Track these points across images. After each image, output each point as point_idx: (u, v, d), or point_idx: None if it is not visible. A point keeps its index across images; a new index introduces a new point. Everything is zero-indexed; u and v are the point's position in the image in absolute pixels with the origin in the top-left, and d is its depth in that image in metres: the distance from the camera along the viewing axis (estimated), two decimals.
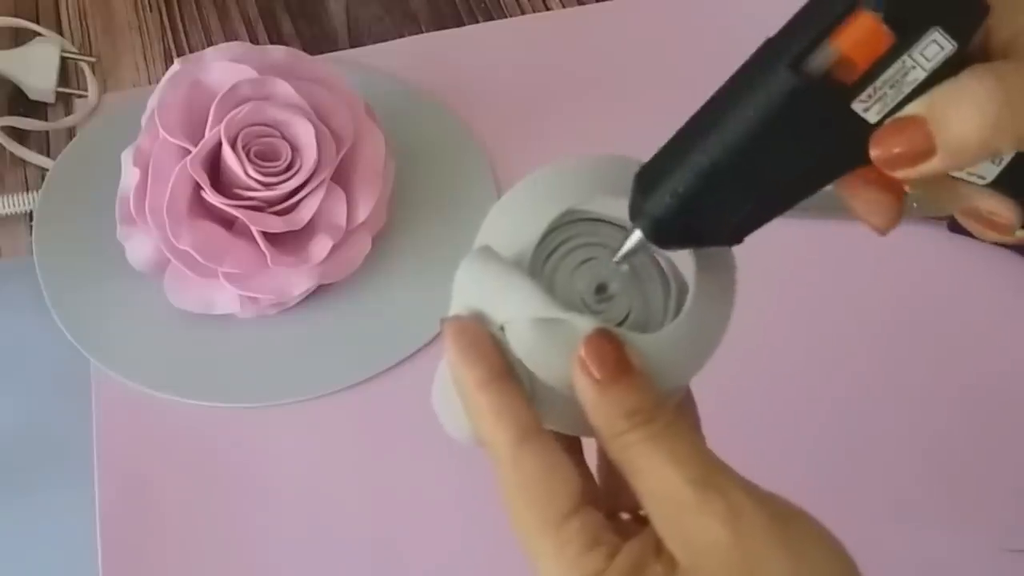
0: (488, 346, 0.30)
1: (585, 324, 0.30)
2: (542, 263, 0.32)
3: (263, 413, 0.56)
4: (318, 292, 0.58)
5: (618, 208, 0.32)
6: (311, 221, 0.56)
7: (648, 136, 0.74)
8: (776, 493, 0.29)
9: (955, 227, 0.63)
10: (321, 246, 0.56)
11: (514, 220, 0.32)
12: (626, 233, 0.31)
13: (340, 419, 0.56)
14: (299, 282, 0.56)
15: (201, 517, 0.52)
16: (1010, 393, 0.57)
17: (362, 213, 0.57)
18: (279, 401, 0.56)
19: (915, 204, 0.64)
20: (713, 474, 0.29)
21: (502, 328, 0.31)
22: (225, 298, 0.56)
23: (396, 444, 0.55)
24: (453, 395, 0.31)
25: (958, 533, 0.52)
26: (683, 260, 0.31)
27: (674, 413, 0.30)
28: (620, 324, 0.31)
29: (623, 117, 0.68)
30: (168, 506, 0.53)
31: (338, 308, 0.59)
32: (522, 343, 0.30)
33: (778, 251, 0.63)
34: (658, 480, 0.29)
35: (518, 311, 0.30)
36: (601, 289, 0.32)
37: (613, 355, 0.29)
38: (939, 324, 0.60)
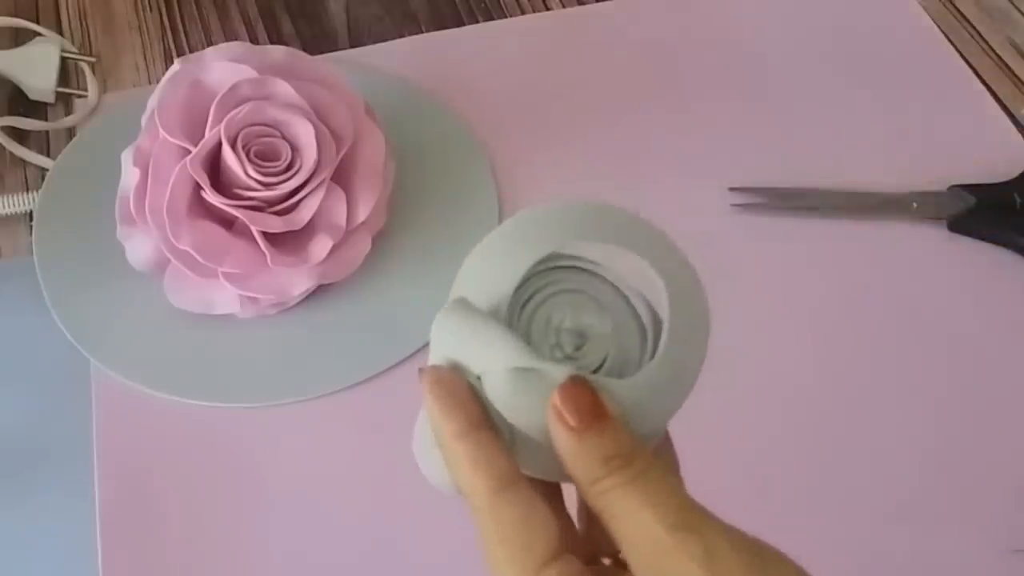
0: (465, 396, 0.31)
1: (560, 372, 0.30)
2: (519, 311, 0.32)
3: (263, 413, 0.56)
4: (318, 292, 0.58)
5: (594, 253, 0.32)
6: (311, 221, 0.56)
7: (648, 135, 0.74)
8: (753, 535, 0.29)
9: (955, 227, 0.63)
10: (321, 246, 0.56)
11: (490, 267, 0.32)
12: (604, 280, 0.32)
13: (340, 419, 0.56)
14: (299, 282, 0.56)
15: (201, 517, 0.52)
16: (1010, 393, 0.57)
17: (362, 213, 0.57)
18: (279, 401, 0.56)
19: (915, 204, 0.65)
20: (689, 517, 0.29)
21: (479, 378, 0.31)
22: (225, 298, 0.56)
23: (396, 444, 0.54)
24: (433, 444, 0.31)
25: (958, 533, 0.52)
26: (658, 300, 0.32)
27: (651, 457, 0.30)
28: (597, 370, 0.32)
29: (623, 117, 0.68)
30: (168, 506, 0.53)
31: (338, 308, 0.59)
32: (499, 393, 0.30)
33: (778, 251, 0.64)
34: (635, 524, 0.29)
35: (493, 361, 0.30)
36: (579, 336, 0.32)
37: (588, 402, 0.30)
38: (939, 324, 0.60)
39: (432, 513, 0.53)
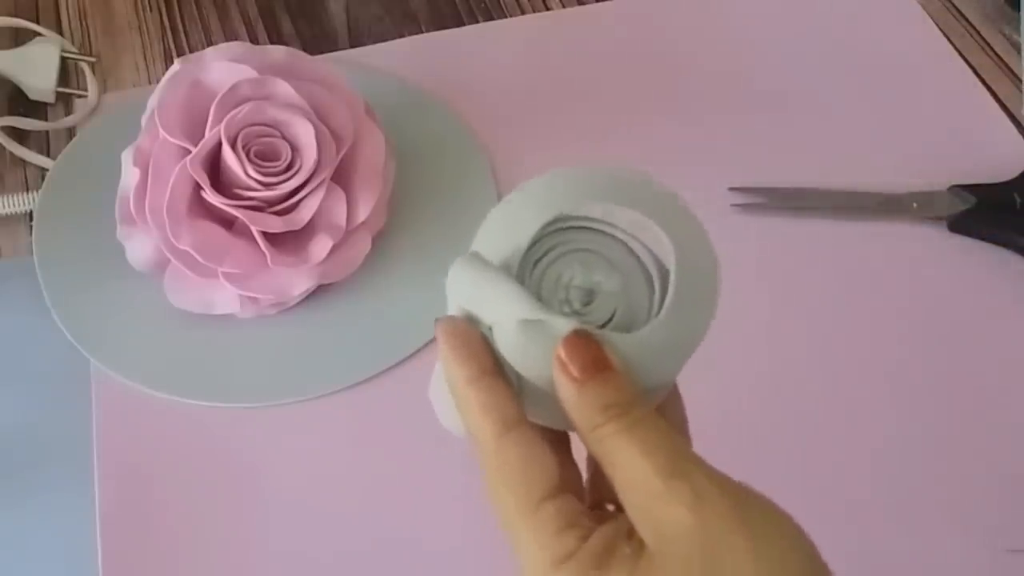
0: (477, 345, 0.32)
1: (566, 325, 0.31)
2: (531, 268, 0.33)
3: (263, 413, 0.56)
4: (318, 292, 0.58)
5: (605, 213, 0.33)
6: (311, 221, 0.56)
7: (647, 135, 0.74)
8: (744, 482, 0.30)
9: (955, 227, 0.63)
10: (321, 246, 0.56)
11: (505, 226, 0.34)
12: (614, 238, 0.33)
13: (340, 419, 0.56)
14: (299, 282, 0.56)
15: (201, 517, 0.52)
16: (1010, 393, 0.57)
17: (362, 213, 0.57)
18: (279, 401, 0.56)
19: (915, 204, 0.65)
20: (681, 464, 0.30)
21: (490, 328, 0.32)
22: (225, 298, 0.56)
23: (396, 444, 0.55)
24: (446, 389, 0.33)
25: (958, 533, 0.52)
26: (667, 258, 0.33)
27: (649, 407, 0.31)
28: (604, 325, 0.33)
29: (623, 117, 0.68)
30: (168, 506, 0.53)
31: (338, 308, 0.58)
32: (508, 343, 0.32)
33: (777, 250, 0.64)
34: (629, 470, 0.30)
35: (504, 313, 0.32)
36: (588, 292, 0.33)
37: (591, 355, 0.31)
38: (939, 324, 0.60)
39: (432, 512, 0.53)
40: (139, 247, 0.56)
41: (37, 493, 0.54)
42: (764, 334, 0.59)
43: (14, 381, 0.57)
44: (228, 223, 0.56)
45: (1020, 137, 0.68)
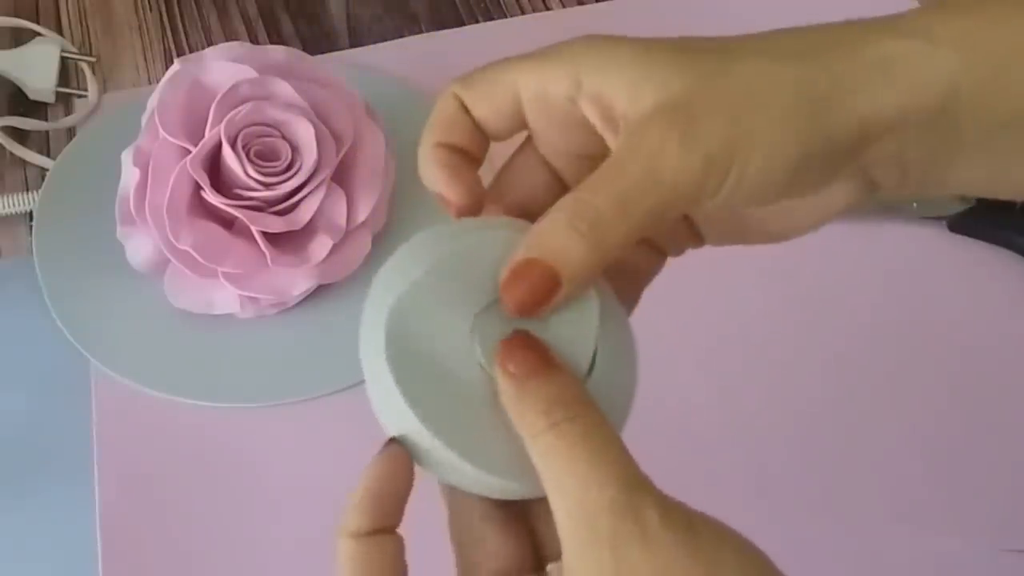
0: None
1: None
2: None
3: (263, 413, 0.56)
4: (318, 292, 0.58)
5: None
6: (311, 221, 0.56)
7: None
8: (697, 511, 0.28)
9: (955, 227, 0.63)
10: (321, 246, 0.56)
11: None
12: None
13: (340, 419, 0.56)
14: (299, 282, 0.56)
15: (201, 517, 0.52)
16: (1010, 393, 0.57)
17: (362, 213, 0.57)
18: (279, 401, 0.56)
19: (915, 204, 0.65)
20: (629, 495, 0.27)
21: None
22: (225, 298, 0.56)
23: None
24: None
25: (958, 533, 0.52)
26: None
27: (597, 417, 0.28)
28: None
29: None
30: (168, 506, 0.53)
31: (338, 308, 0.58)
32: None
33: (777, 250, 0.63)
34: (575, 501, 0.27)
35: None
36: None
37: (532, 353, 0.29)
38: (938, 324, 0.60)
39: (432, 512, 0.53)
40: (139, 247, 0.56)
41: (37, 493, 0.54)
42: (763, 334, 0.59)
43: (14, 381, 0.57)
44: (228, 223, 0.56)
45: None
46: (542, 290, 0.29)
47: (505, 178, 0.35)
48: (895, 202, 0.64)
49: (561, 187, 0.34)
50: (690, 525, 0.27)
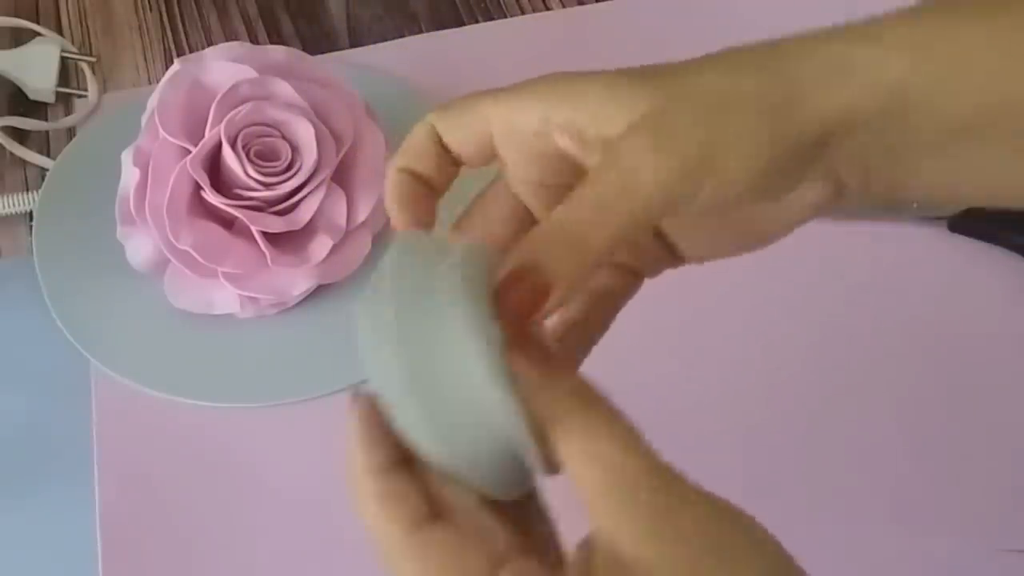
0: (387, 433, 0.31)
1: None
2: None
3: (263, 413, 0.56)
4: (318, 292, 0.58)
5: None
6: (311, 221, 0.56)
7: None
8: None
9: (955, 227, 0.63)
10: (321, 246, 0.56)
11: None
12: None
13: (340, 419, 0.55)
14: (299, 282, 0.56)
15: (201, 517, 0.53)
16: (1009, 393, 0.57)
17: (362, 213, 0.57)
18: (279, 401, 0.56)
19: (915, 204, 0.65)
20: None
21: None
22: (225, 298, 0.57)
23: None
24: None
25: (957, 533, 0.52)
26: None
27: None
28: None
29: None
30: (168, 506, 0.53)
31: (338, 308, 0.58)
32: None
33: (776, 250, 0.63)
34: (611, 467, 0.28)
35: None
36: None
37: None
38: (938, 324, 0.60)
39: None
40: (139, 247, 0.56)
41: (37, 493, 0.54)
42: (763, 334, 0.59)
43: (14, 381, 0.57)
44: (228, 223, 0.56)
45: None
46: (531, 299, 0.30)
47: (475, 209, 0.37)
48: (888, 203, 0.64)
49: (530, 219, 0.35)
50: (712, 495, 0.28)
